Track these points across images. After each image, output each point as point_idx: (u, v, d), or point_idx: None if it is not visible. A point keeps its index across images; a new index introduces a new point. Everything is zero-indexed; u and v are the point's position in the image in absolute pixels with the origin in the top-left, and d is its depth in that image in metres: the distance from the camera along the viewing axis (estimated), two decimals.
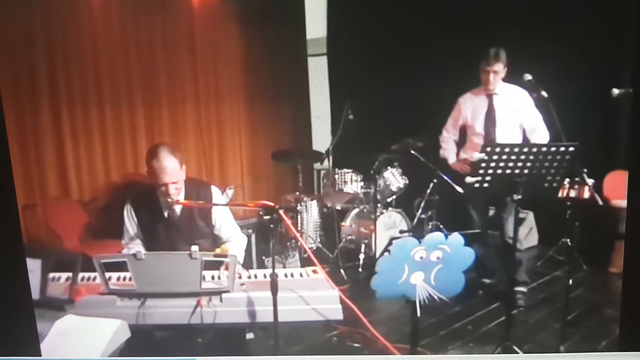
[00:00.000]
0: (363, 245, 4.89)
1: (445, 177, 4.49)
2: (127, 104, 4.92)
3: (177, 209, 3.35)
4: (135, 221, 3.36)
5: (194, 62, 5.31)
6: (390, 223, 4.91)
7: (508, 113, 4.08)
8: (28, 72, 4.30)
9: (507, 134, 4.08)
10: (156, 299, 2.91)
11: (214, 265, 3.14)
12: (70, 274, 3.01)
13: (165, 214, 3.35)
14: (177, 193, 3.25)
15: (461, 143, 4.32)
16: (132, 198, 3.40)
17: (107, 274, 2.91)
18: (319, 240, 5.09)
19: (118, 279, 3.08)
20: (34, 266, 2.91)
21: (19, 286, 2.93)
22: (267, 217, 2.82)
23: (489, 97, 4.11)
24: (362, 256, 4.84)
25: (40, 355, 2.77)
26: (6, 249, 2.98)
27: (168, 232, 3.37)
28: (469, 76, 4.13)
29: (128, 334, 2.78)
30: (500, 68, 3.96)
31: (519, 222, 3.61)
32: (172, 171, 3.19)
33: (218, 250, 3.22)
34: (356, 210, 5.14)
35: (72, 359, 2.70)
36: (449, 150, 4.37)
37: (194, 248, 2.82)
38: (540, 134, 3.98)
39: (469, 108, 4.18)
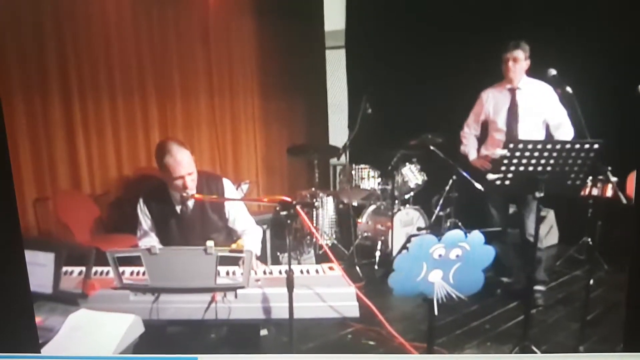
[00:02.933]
0: (379, 243, 4.84)
1: (465, 174, 4.42)
2: (140, 97, 4.91)
3: (190, 203, 3.32)
4: (148, 217, 3.35)
5: (208, 54, 5.28)
6: (407, 220, 4.86)
7: (531, 108, 4.00)
8: (39, 64, 4.28)
9: (529, 130, 4.01)
10: (170, 294, 2.89)
11: (233, 261, 3.11)
12: (83, 268, 3.00)
13: (178, 210, 3.33)
14: (194, 184, 3.23)
15: (482, 139, 4.26)
16: (144, 194, 3.38)
17: (121, 268, 2.88)
18: (334, 236, 5.05)
19: (132, 273, 3.06)
20: (46, 260, 2.89)
21: (18, 283, 2.92)
22: (284, 212, 2.78)
23: (512, 91, 4.03)
24: (378, 253, 4.80)
25: (39, 353, 2.76)
26: (5, 245, 2.96)
27: (181, 227, 3.35)
28: (491, 71, 4.06)
29: (142, 329, 2.75)
30: (520, 56, 3.89)
31: (539, 220, 3.54)
32: (187, 163, 3.18)
33: (234, 246, 3.19)
34: (373, 207, 5.10)
35: (72, 357, 2.68)
36: (470, 147, 4.31)
37: (209, 243, 2.79)
38: (565, 131, 3.91)
39: (491, 103, 4.12)
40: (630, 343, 3.00)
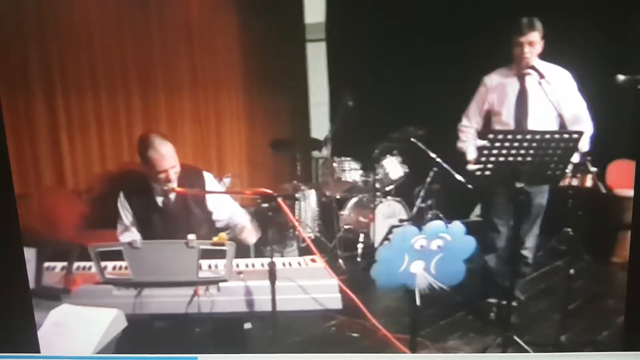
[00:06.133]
0: (362, 235, 4.84)
1: (446, 166, 4.42)
2: (124, 93, 4.86)
3: (172, 196, 3.32)
4: (129, 211, 3.34)
5: (190, 48, 5.24)
6: (389, 212, 4.86)
7: (545, 97, 3.53)
8: (20, 59, 4.23)
9: (541, 124, 3.56)
10: (153, 288, 2.89)
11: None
12: (65, 263, 2.99)
13: (160, 203, 3.32)
14: (177, 177, 3.23)
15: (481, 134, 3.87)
16: (124, 188, 3.37)
17: (103, 263, 2.88)
18: (317, 229, 5.05)
19: (114, 268, 3.05)
20: (29, 255, 2.88)
21: (18, 283, 2.91)
22: (265, 204, 2.79)
23: (521, 77, 3.62)
24: (360, 245, 4.80)
25: (39, 352, 2.75)
26: (5, 245, 2.95)
27: (164, 221, 3.34)
28: (483, 58, 3.80)
29: (125, 323, 2.76)
30: (537, 38, 3.48)
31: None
32: (171, 156, 3.19)
33: (215, 239, 3.19)
34: (355, 199, 5.09)
35: (72, 356, 2.67)
36: (469, 143, 3.93)
37: (191, 236, 2.80)
38: (583, 126, 3.49)
39: (496, 91, 3.71)
40: (631, 343, 3.03)
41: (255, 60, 5.69)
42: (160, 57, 5.03)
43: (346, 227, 5.06)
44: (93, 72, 4.63)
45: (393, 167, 4.93)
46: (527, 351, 3.27)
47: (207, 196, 3.39)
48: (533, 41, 3.47)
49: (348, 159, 5.02)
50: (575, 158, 3.20)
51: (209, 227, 3.42)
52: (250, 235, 3.25)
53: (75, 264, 2.98)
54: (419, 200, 4.87)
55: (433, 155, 4.50)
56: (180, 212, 3.34)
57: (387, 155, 4.93)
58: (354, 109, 4.80)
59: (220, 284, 2.91)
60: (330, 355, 3.28)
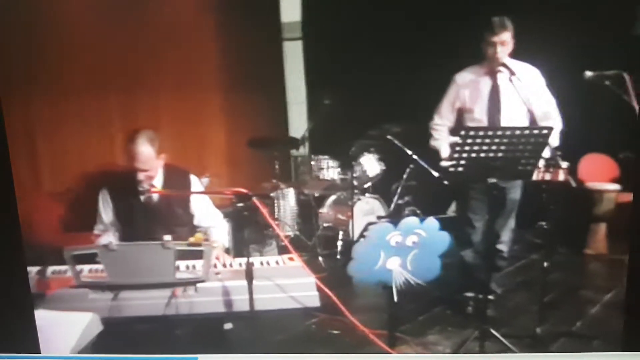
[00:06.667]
0: (341, 232, 4.86)
1: (422, 162, 4.44)
2: (102, 93, 4.83)
3: (154, 195, 3.32)
4: (110, 207, 3.34)
5: (167, 48, 5.23)
6: (367, 209, 4.89)
7: (516, 95, 3.57)
8: None
9: (513, 120, 3.61)
10: (130, 290, 2.88)
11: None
12: (40, 268, 2.98)
13: (142, 200, 3.32)
14: (147, 181, 3.23)
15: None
16: (108, 183, 3.37)
17: (79, 267, 2.87)
18: (296, 227, 5.06)
19: (90, 271, 3.04)
20: None
21: (18, 283, 2.90)
22: (241, 204, 2.80)
23: (493, 74, 3.66)
24: (340, 243, 4.82)
25: (39, 352, 2.74)
26: (4, 246, 2.94)
27: (145, 219, 3.35)
28: (459, 55, 3.80)
29: (100, 327, 2.75)
30: (508, 37, 3.52)
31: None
32: (145, 158, 3.19)
33: (192, 239, 3.19)
34: (333, 197, 5.10)
35: (73, 356, 2.67)
36: (442, 141, 3.92)
37: (167, 237, 2.80)
38: (552, 123, 3.49)
39: (468, 88, 3.74)
40: (630, 343, 3.07)
41: (232, 59, 5.68)
42: (138, 57, 5.01)
43: (325, 225, 5.08)
44: (71, 72, 4.62)
45: (370, 164, 4.95)
46: (505, 344, 3.31)
47: (192, 199, 3.40)
48: (505, 40, 3.50)
49: (326, 157, 5.03)
50: (546, 153, 3.24)
51: (192, 228, 3.44)
52: (223, 255, 3.27)
53: (51, 268, 2.97)
54: (397, 197, 4.91)
55: (409, 152, 4.53)
56: (163, 211, 3.34)
57: (365, 153, 4.95)
58: (331, 107, 4.82)
59: (198, 285, 2.91)
60: (327, 356, 3.32)
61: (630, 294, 3.13)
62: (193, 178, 3.46)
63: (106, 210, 3.36)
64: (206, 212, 3.44)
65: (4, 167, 2.94)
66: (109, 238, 3.26)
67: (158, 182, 3.29)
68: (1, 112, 3.05)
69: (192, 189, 3.41)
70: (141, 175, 3.20)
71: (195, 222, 3.42)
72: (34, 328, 2.76)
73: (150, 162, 3.21)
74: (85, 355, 2.66)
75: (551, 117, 3.56)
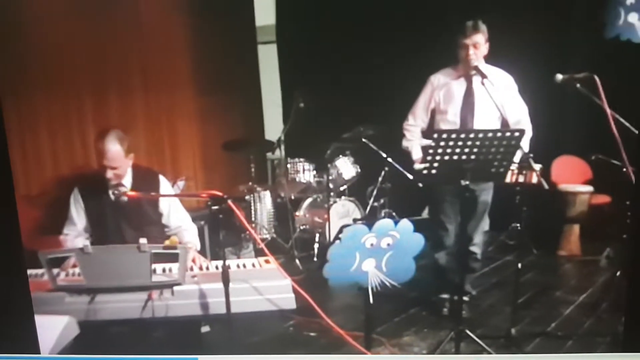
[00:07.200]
0: (317, 235, 4.88)
1: (396, 165, 4.47)
2: (74, 94, 4.79)
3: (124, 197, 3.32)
4: (82, 206, 3.33)
5: (142, 50, 5.20)
6: (343, 212, 4.91)
7: (490, 100, 3.55)
8: None
9: (486, 123, 3.63)
10: (106, 294, 2.87)
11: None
12: None
13: (113, 199, 3.32)
14: (116, 179, 3.24)
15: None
16: (80, 183, 3.37)
17: (55, 270, 2.85)
18: (273, 230, 5.06)
19: (67, 274, 3.02)
20: None
21: (18, 284, 2.87)
22: (216, 207, 2.80)
23: (468, 78, 3.67)
24: (316, 246, 4.84)
25: (39, 352, 2.72)
26: (4, 246, 2.91)
27: (115, 217, 3.35)
28: (433, 58, 3.86)
29: (77, 330, 2.73)
30: (481, 40, 3.55)
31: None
32: (113, 156, 3.20)
33: (167, 242, 3.19)
34: (309, 200, 5.13)
35: (73, 356, 2.65)
36: (414, 142, 3.91)
37: (142, 240, 2.79)
38: (524, 125, 3.55)
39: (443, 90, 3.76)
40: (630, 344, 3.11)
41: (207, 62, 5.68)
42: (112, 58, 4.98)
43: (302, 227, 5.09)
44: (44, 72, 4.57)
45: (346, 167, 4.98)
46: (481, 345, 3.34)
47: (161, 200, 3.40)
48: (477, 43, 3.54)
49: (301, 160, 5.06)
50: (518, 156, 3.28)
51: (161, 227, 3.44)
52: (199, 258, 3.28)
53: (28, 272, 2.94)
54: (372, 199, 4.94)
55: (384, 155, 4.56)
56: (133, 210, 3.34)
57: (340, 156, 4.98)
58: (306, 110, 4.84)
59: (175, 288, 2.90)
60: (327, 357, 3.33)
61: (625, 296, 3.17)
62: (162, 179, 3.46)
63: (78, 210, 3.35)
64: (175, 211, 3.45)
65: (4, 167, 2.92)
66: (79, 239, 3.26)
67: (127, 181, 3.31)
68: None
69: (161, 189, 3.41)
70: (110, 173, 3.21)
71: (164, 220, 3.42)
72: (34, 328, 2.75)
73: (119, 160, 3.22)
74: (85, 355, 2.65)
75: (522, 124, 3.58)
